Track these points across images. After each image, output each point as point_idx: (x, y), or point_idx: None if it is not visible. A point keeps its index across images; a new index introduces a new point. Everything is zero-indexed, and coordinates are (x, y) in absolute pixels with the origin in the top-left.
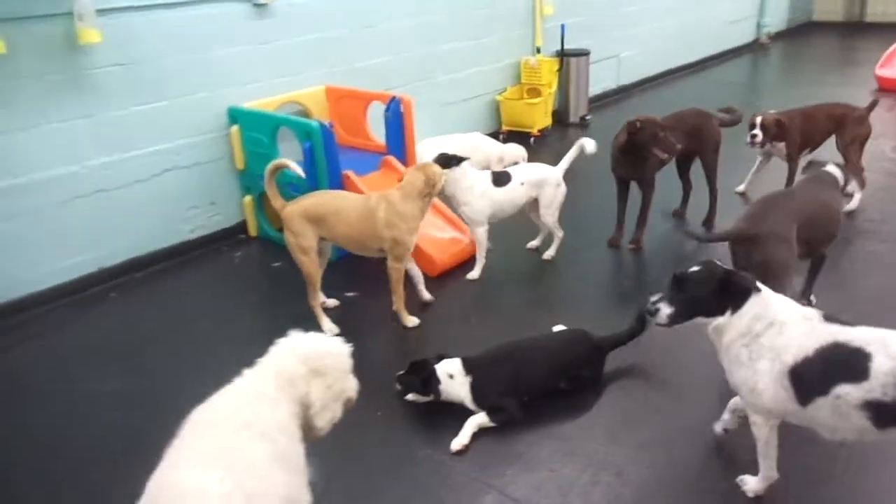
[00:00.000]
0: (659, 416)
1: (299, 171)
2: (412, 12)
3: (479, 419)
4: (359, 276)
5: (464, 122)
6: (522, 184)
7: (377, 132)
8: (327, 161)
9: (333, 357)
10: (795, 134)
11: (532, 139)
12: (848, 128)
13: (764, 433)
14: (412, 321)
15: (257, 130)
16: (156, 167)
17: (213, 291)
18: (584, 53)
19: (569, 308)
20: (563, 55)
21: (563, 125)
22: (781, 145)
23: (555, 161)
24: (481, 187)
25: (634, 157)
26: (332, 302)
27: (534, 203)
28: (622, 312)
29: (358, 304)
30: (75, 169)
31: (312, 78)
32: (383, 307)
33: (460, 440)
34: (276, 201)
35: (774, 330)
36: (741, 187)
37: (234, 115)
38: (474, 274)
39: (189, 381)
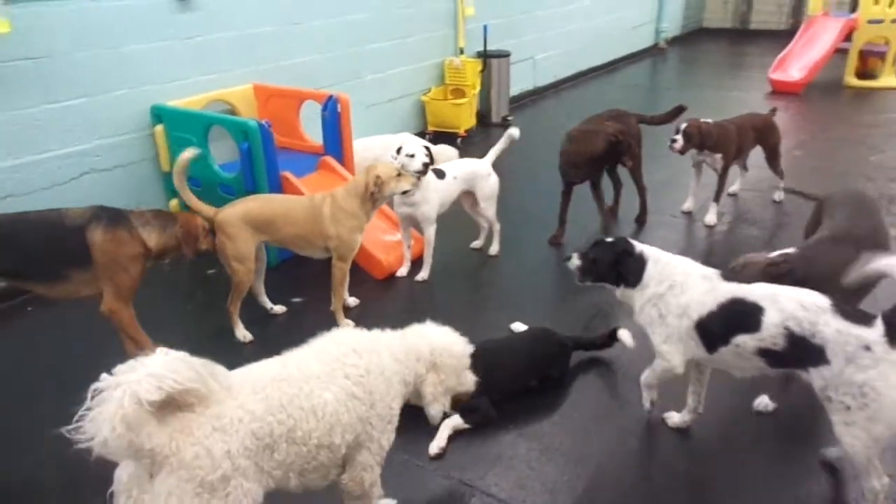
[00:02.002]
0: (629, 408)
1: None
2: (338, 11)
3: (454, 421)
4: (305, 281)
5: (390, 123)
6: (455, 178)
7: (310, 132)
8: (266, 162)
9: (454, 357)
10: (731, 145)
11: (459, 139)
12: (769, 135)
13: (657, 372)
14: (346, 324)
15: (186, 130)
16: (73, 170)
17: (144, 301)
18: (504, 55)
19: (521, 305)
20: (486, 56)
21: (486, 125)
22: (718, 156)
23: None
24: (433, 183)
25: (600, 163)
26: (280, 308)
27: (468, 198)
28: (573, 307)
29: (305, 310)
30: None
31: (239, 76)
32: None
33: (437, 444)
34: (201, 207)
35: (677, 290)
36: (687, 205)
37: (159, 114)
38: (423, 275)
39: None
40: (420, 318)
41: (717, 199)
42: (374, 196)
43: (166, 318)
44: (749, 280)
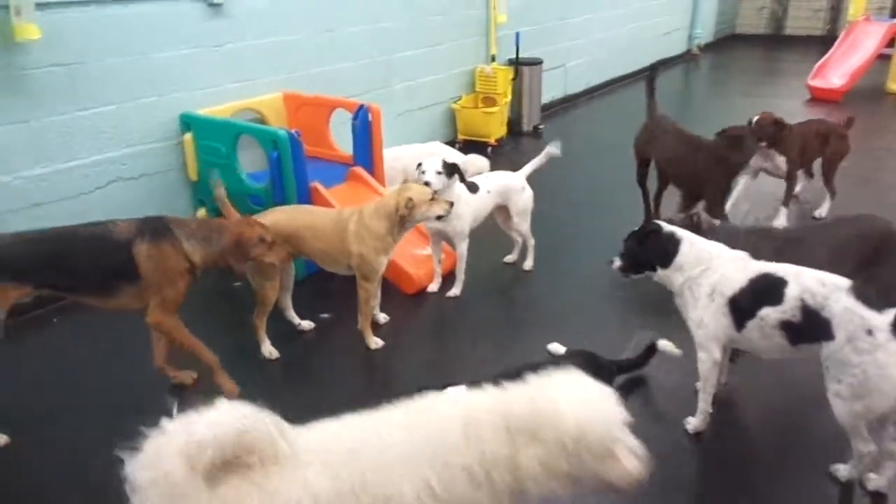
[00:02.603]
0: (670, 426)
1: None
2: (370, 18)
3: None
4: (333, 296)
5: (420, 132)
6: (489, 192)
7: (340, 141)
8: (295, 172)
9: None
10: (795, 151)
11: (489, 148)
12: (836, 145)
13: (706, 368)
14: (376, 343)
15: (215, 139)
16: (100, 178)
17: None
18: (536, 62)
19: (558, 323)
20: (517, 64)
21: (517, 134)
22: (782, 160)
23: (513, 171)
24: (465, 198)
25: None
26: (308, 324)
27: (501, 212)
28: (613, 324)
29: (334, 326)
30: (7, 180)
31: (269, 84)
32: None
33: None
34: (234, 215)
35: (710, 272)
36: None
37: (188, 122)
38: (455, 291)
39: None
40: (452, 337)
41: (786, 202)
42: (403, 219)
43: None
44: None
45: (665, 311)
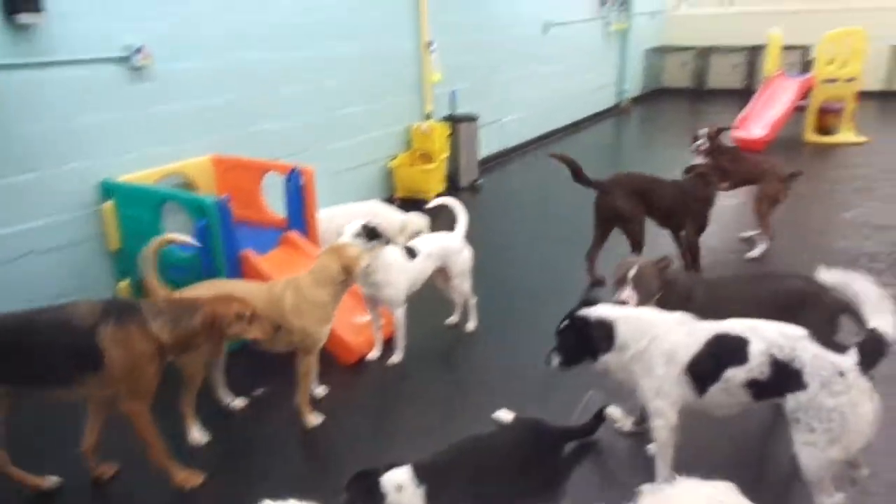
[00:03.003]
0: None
1: (190, 240)
2: (304, 77)
3: None
4: (269, 366)
5: (357, 190)
6: (429, 255)
7: (272, 204)
8: (224, 241)
9: None
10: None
11: (429, 206)
12: (767, 183)
13: (664, 435)
14: (314, 420)
15: (138, 206)
16: (12, 251)
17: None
18: (472, 118)
19: (504, 388)
20: (453, 120)
21: (456, 190)
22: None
23: (450, 229)
24: (399, 263)
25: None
26: (240, 402)
27: (440, 274)
28: (561, 385)
29: (270, 402)
30: None
31: (197, 147)
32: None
33: None
34: (158, 291)
35: (658, 341)
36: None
37: (109, 190)
38: (396, 358)
39: None
40: (396, 407)
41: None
42: (345, 283)
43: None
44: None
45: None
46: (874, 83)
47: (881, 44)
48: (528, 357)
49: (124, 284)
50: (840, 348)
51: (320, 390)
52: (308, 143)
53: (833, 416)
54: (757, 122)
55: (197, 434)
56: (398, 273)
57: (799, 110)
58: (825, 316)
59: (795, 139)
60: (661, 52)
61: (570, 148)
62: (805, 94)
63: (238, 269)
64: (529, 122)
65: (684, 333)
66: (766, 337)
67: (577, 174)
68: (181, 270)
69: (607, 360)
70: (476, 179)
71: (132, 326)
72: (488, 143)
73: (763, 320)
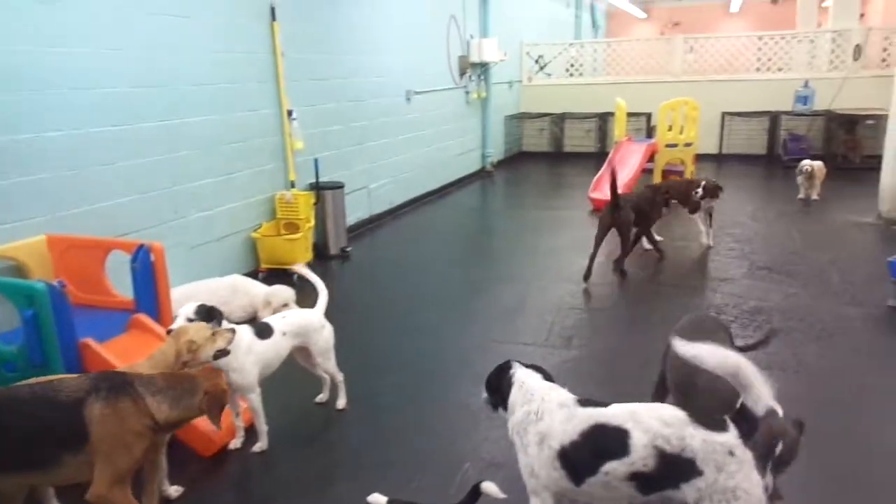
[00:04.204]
0: None
1: None
2: (153, 148)
3: None
4: None
5: (218, 264)
6: (285, 334)
7: (119, 286)
8: (59, 330)
9: None
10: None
11: (295, 276)
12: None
13: None
14: None
15: None
16: None
17: None
18: (338, 186)
19: (377, 469)
20: (318, 188)
21: (324, 258)
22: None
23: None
24: (247, 344)
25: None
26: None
27: (301, 352)
28: (437, 460)
29: None
30: None
31: (30, 226)
32: None
33: None
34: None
35: (534, 417)
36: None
37: None
38: (261, 445)
39: None
40: (262, 500)
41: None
42: (187, 365)
43: None
44: None
45: (490, 442)
46: (709, 147)
47: (714, 111)
48: (401, 434)
49: None
50: (719, 425)
51: (173, 490)
52: (159, 217)
53: (739, 495)
54: None
55: None
56: (245, 355)
57: (647, 172)
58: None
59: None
60: (520, 118)
61: (439, 211)
62: (651, 157)
63: (77, 360)
64: (398, 187)
65: (561, 418)
66: (649, 428)
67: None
68: (10, 365)
69: (508, 417)
70: (345, 247)
71: (124, 401)
72: (357, 210)
73: (644, 404)
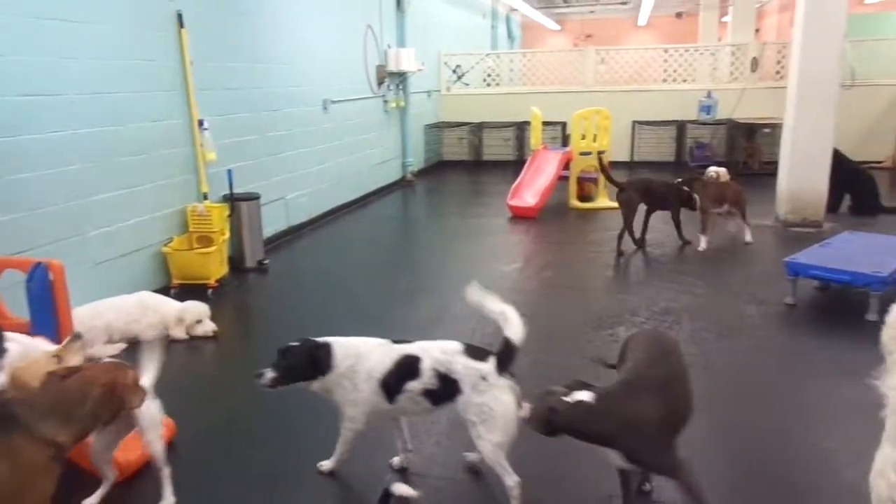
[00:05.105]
0: None
1: None
2: (49, 161)
3: None
4: None
5: (126, 281)
6: None
7: (15, 308)
8: None
9: None
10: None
11: (210, 291)
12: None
13: (350, 436)
14: None
15: None
16: None
17: None
18: (254, 197)
19: (293, 483)
20: (232, 200)
21: (241, 272)
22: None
23: (238, 312)
24: None
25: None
26: None
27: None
28: (354, 482)
29: None
30: None
31: None
32: None
33: None
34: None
35: (362, 359)
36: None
37: None
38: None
39: None
40: None
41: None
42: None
43: None
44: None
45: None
46: (621, 154)
47: (625, 120)
48: (320, 445)
49: None
50: (483, 356)
51: None
52: (56, 234)
53: (485, 410)
54: (528, 191)
55: None
56: None
57: (563, 179)
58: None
59: (562, 206)
60: (439, 127)
61: (360, 221)
62: (566, 164)
63: None
64: (316, 198)
65: (382, 353)
66: (432, 355)
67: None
68: None
69: (325, 379)
70: (262, 260)
71: (14, 439)
72: (274, 222)
73: (435, 341)
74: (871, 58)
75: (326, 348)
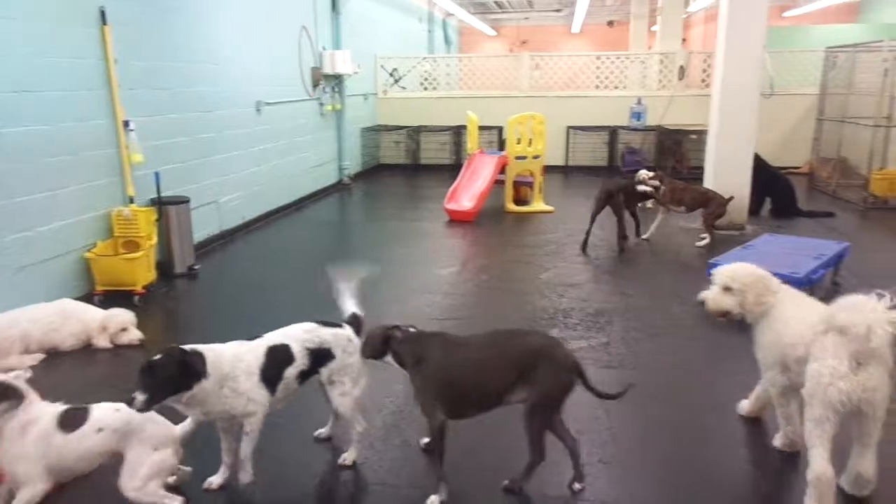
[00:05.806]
0: None
1: None
2: None
3: None
4: None
5: (46, 289)
6: (101, 430)
7: None
8: None
9: None
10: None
11: (136, 298)
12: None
13: (257, 427)
14: None
15: None
16: None
17: None
18: (183, 201)
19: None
20: (160, 203)
21: (170, 278)
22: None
23: (167, 319)
24: (37, 429)
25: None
26: None
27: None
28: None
29: None
30: None
31: None
32: None
33: None
34: None
35: (236, 361)
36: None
37: None
38: None
39: None
40: None
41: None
42: None
43: None
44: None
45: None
46: (556, 159)
47: (559, 125)
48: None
49: None
50: (338, 325)
51: None
52: None
53: (354, 368)
54: (465, 195)
55: None
56: (20, 447)
57: (499, 183)
58: (560, 367)
59: (499, 209)
60: (376, 131)
61: (295, 225)
62: (502, 168)
63: None
64: (250, 201)
65: (248, 350)
66: (298, 338)
67: None
68: None
69: (202, 386)
70: (193, 265)
71: None
72: (206, 226)
73: (287, 327)
74: (789, 68)
75: (198, 353)
